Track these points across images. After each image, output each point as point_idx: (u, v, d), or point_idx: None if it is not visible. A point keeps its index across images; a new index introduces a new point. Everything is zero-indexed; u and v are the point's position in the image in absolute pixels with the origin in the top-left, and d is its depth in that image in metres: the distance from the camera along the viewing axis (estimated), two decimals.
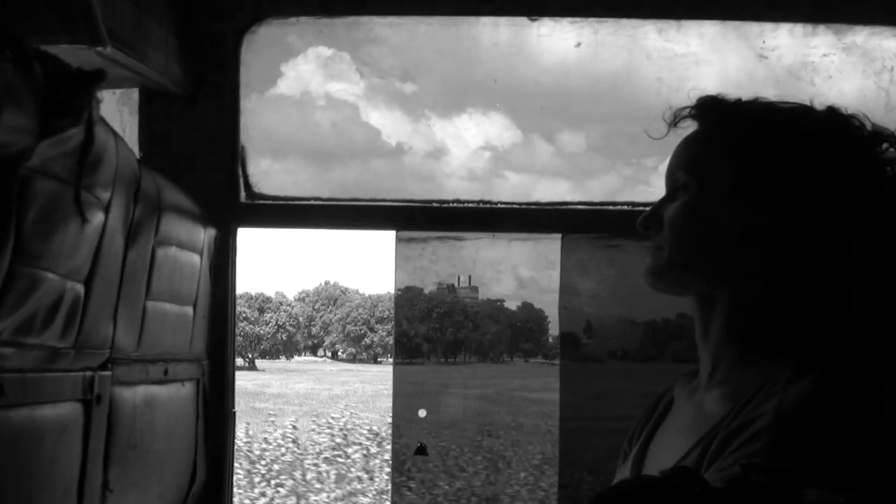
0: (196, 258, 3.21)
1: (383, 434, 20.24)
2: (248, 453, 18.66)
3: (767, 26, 3.48)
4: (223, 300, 3.50)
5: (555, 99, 3.77)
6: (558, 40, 3.56)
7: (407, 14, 3.57)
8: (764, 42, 3.49)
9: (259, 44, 3.53)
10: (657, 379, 2.75)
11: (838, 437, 1.85)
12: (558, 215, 3.55)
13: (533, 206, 3.57)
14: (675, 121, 2.28)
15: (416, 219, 3.60)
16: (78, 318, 2.38)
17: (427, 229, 3.64)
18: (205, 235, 3.27)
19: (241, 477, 16.79)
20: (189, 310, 3.19)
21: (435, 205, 3.59)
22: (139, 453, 2.83)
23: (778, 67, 3.50)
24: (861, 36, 3.47)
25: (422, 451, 3.72)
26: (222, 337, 3.50)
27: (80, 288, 2.37)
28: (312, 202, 3.59)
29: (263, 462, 19.03)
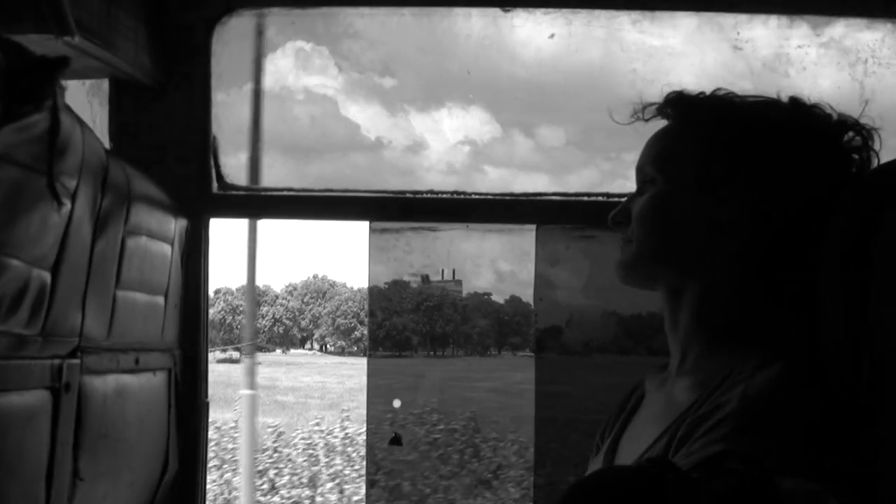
0: (167, 248, 3.20)
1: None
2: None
3: (742, 18, 3.48)
4: (196, 290, 3.49)
5: (533, 93, 3.77)
6: (533, 32, 3.56)
7: (377, 5, 3.56)
8: (738, 34, 3.49)
9: (230, 35, 3.52)
10: (633, 371, 2.76)
11: (804, 423, 1.85)
12: (533, 206, 3.55)
13: (507, 197, 3.57)
14: (643, 115, 2.30)
15: (390, 209, 3.59)
16: (45, 305, 2.37)
17: (401, 220, 3.63)
18: (176, 225, 3.26)
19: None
20: (160, 299, 3.19)
21: (409, 195, 3.58)
22: (109, 442, 2.82)
23: (753, 59, 3.50)
24: (836, 28, 3.48)
25: (396, 441, 3.72)
26: (195, 327, 3.49)
27: (47, 275, 2.36)
28: (285, 193, 3.58)
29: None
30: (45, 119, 2.20)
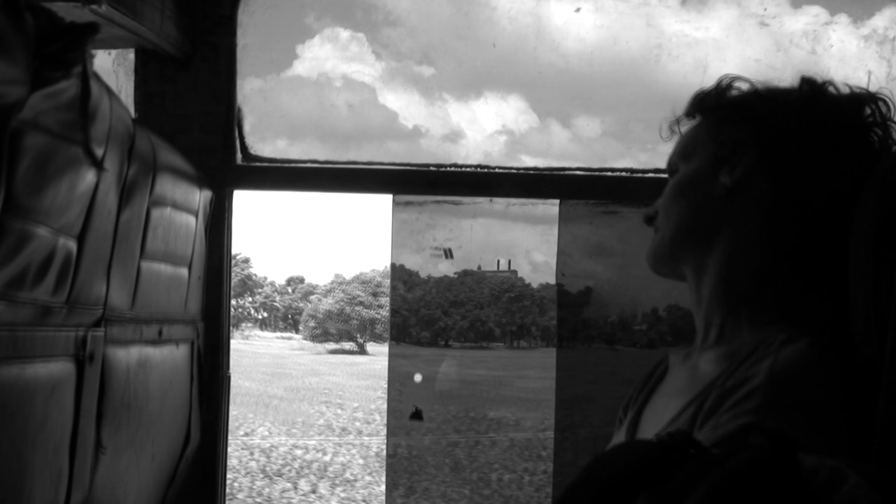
0: (191, 219, 3.19)
1: None
2: None
3: (772, 7, 3.47)
4: (218, 263, 3.49)
5: (571, 83, 3.77)
6: (567, 22, 3.54)
7: None
8: (765, 10, 3.47)
9: (256, 5, 3.51)
10: (655, 345, 2.75)
11: (833, 400, 1.85)
12: (556, 180, 3.54)
13: (531, 171, 3.56)
14: (677, 128, 2.33)
15: (414, 182, 3.58)
16: (70, 274, 2.36)
17: (424, 193, 3.62)
18: (200, 197, 3.25)
19: None
20: (184, 271, 3.18)
21: (433, 168, 3.57)
22: (132, 414, 2.82)
23: (780, 36, 3.48)
24: (864, 6, 3.46)
25: (417, 415, 3.71)
26: (217, 299, 3.49)
27: (73, 244, 2.35)
28: (309, 164, 3.57)
29: None
30: (74, 86, 2.18)
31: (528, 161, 3.88)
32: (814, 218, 2.08)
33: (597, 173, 3.55)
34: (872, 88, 2.16)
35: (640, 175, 3.48)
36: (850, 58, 3.48)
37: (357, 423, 26.96)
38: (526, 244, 3.82)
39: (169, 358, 3.12)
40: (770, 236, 2.11)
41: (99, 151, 2.39)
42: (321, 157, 3.61)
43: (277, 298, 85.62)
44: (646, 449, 1.59)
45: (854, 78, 2.18)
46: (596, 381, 3.70)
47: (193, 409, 3.31)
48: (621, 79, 3.69)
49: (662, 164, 2.33)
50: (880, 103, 2.14)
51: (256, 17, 3.52)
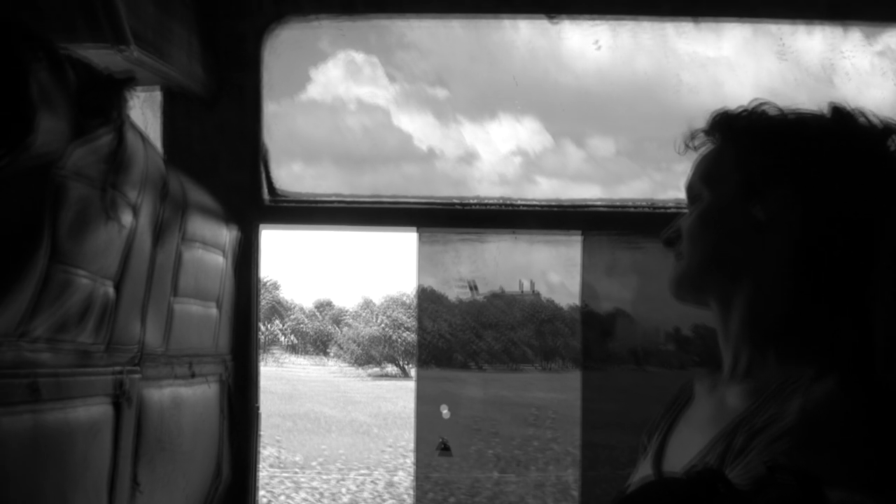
0: (220, 257, 3.23)
1: None
2: None
3: (786, 28, 3.49)
4: (247, 298, 3.52)
5: (584, 103, 3.79)
6: (580, 41, 3.57)
7: (427, 13, 3.57)
8: (783, 43, 3.49)
9: (282, 45, 3.55)
10: (679, 376, 2.76)
11: (864, 438, 1.86)
12: (579, 215, 3.57)
13: (554, 206, 3.58)
14: (693, 144, 2.32)
15: (439, 218, 3.61)
16: (109, 316, 2.40)
17: (449, 227, 3.65)
18: (228, 235, 3.29)
19: None
20: (213, 308, 3.22)
21: (457, 204, 3.60)
22: (166, 452, 2.85)
23: (797, 70, 3.50)
24: (882, 37, 3.48)
25: (445, 449, 3.73)
26: (246, 335, 3.52)
27: (111, 287, 2.40)
28: (335, 202, 3.60)
29: None
30: (111, 136, 2.23)
31: (544, 183, 3.92)
32: (844, 250, 2.09)
33: (619, 207, 3.57)
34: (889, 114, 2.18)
35: (661, 209, 3.50)
36: (868, 87, 3.50)
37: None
38: (541, 265, 3.84)
39: (200, 395, 3.15)
40: (800, 270, 2.12)
41: (135, 196, 2.43)
42: (336, 181, 3.65)
43: (307, 323, 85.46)
44: (676, 488, 1.62)
45: (873, 108, 2.20)
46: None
47: (224, 444, 3.34)
48: (635, 98, 3.71)
49: (677, 183, 2.34)
50: None
51: (282, 57, 3.56)
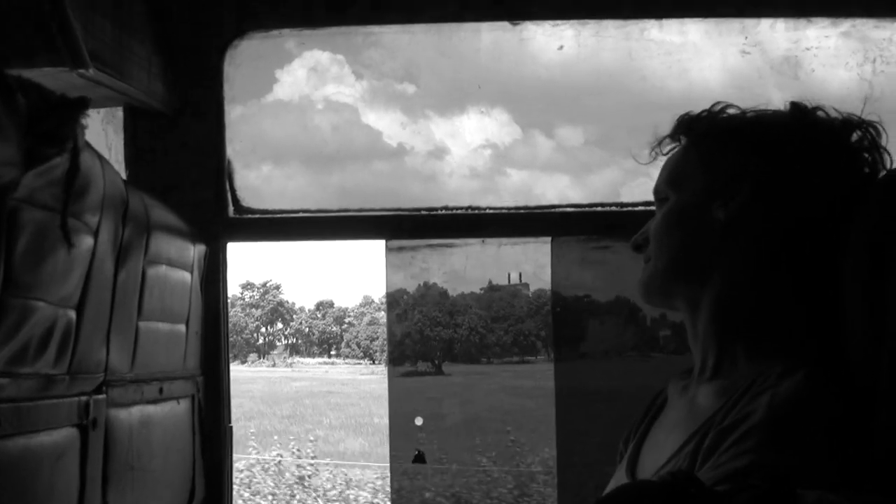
0: (186, 275, 3.21)
1: None
2: None
3: (749, 22, 3.49)
4: (215, 315, 3.50)
5: (551, 94, 3.77)
6: (543, 44, 3.56)
7: (388, 23, 3.57)
8: (746, 37, 3.49)
9: (242, 57, 3.53)
10: (652, 377, 2.76)
11: (831, 433, 1.86)
12: (547, 218, 3.56)
13: (521, 211, 3.57)
14: (658, 145, 2.33)
15: (406, 227, 3.60)
16: (71, 344, 2.38)
17: (416, 237, 3.64)
18: (194, 252, 3.27)
19: None
20: (181, 327, 3.19)
21: (424, 213, 3.59)
22: (137, 474, 2.83)
23: (761, 62, 3.50)
24: (843, 28, 3.47)
25: (419, 458, 3.72)
26: (216, 352, 3.49)
27: (72, 314, 2.37)
28: (301, 214, 3.59)
29: None
30: (65, 160, 2.20)
31: (515, 174, 3.90)
32: (808, 248, 2.09)
33: (587, 209, 3.56)
34: (854, 110, 2.18)
35: (630, 209, 3.49)
36: (831, 77, 3.51)
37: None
38: (514, 259, 3.83)
39: (170, 415, 3.13)
40: (765, 268, 2.12)
41: (94, 220, 2.41)
42: (305, 180, 3.63)
43: (312, 324, 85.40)
44: (648, 492, 1.61)
45: (836, 97, 2.20)
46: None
47: (197, 463, 3.32)
48: (601, 88, 3.70)
49: (647, 170, 2.34)
50: (870, 128, 2.16)
51: (242, 69, 3.53)
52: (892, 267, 1.86)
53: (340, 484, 21.04)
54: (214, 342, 3.49)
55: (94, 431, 2.55)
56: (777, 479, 1.55)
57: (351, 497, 20.17)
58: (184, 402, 3.23)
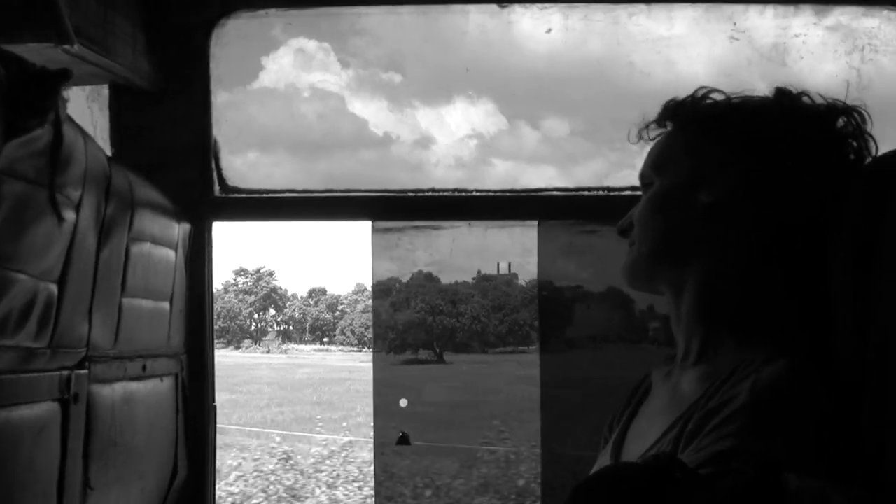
0: (171, 253, 3.20)
1: None
2: None
3: (739, 8, 3.49)
4: (200, 294, 3.49)
5: (537, 84, 3.78)
6: (531, 27, 3.56)
7: (373, 4, 3.56)
8: (735, 24, 3.49)
9: (229, 37, 3.52)
10: (638, 363, 2.76)
11: (813, 419, 1.86)
12: (534, 202, 3.56)
13: (508, 194, 3.57)
14: (646, 129, 2.33)
15: (393, 209, 3.60)
16: (52, 317, 2.37)
17: (403, 219, 3.64)
18: (179, 230, 3.26)
19: None
20: (165, 305, 3.19)
21: (411, 194, 3.58)
22: (119, 450, 2.82)
23: (750, 49, 3.51)
24: (833, 16, 3.48)
25: (404, 440, 3.72)
26: (200, 331, 3.49)
27: (54, 288, 2.36)
28: (287, 194, 3.58)
29: None
30: (48, 132, 2.19)
31: (500, 164, 3.90)
32: (794, 234, 2.10)
33: (575, 193, 3.56)
34: (841, 96, 2.18)
35: (617, 193, 3.49)
36: (819, 65, 3.51)
37: None
38: (501, 242, 3.83)
39: (153, 392, 3.12)
40: (750, 255, 2.13)
41: (75, 194, 2.40)
42: (291, 168, 3.62)
43: (306, 311, 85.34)
44: (632, 474, 1.61)
45: (823, 86, 2.20)
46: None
47: (180, 441, 3.31)
48: (588, 78, 3.70)
49: (632, 161, 2.35)
50: (855, 114, 2.16)
51: (229, 48, 3.52)
52: (878, 259, 1.86)
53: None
54: (199, 321, 3.49)
55: (76, 406, 2.54)
56: (761, 464, 1.55)
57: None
58: (167, 380, 3.23)
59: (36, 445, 2.36)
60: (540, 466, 3.71)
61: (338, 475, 15.85)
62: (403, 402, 3.80)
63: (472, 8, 3.56)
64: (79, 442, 2.57)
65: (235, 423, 31.86)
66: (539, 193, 3.57)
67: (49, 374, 2.43)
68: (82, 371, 2.59)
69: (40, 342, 2.34)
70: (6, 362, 2.22)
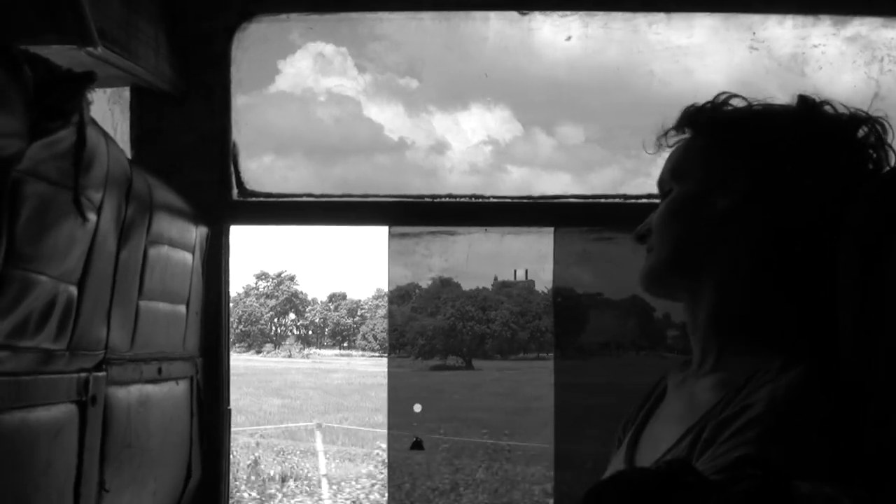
0: (188, 256, 3.21)
1: None
2: None
3: (758, 18, 3.49)
4: (217, 298, 3.50)
5: (554, 92, 3.78)
6: (551, 34, 3.57)
7: (394, 10, 3.56)
8: (755, 34, 3.49)
9: (250, 41, 3.53)
10: (651, 370, 2.77)
11: (830, 427, 1.86)
12: (550, 208, 3.56)
13: (525, 200, 3.57)
14: (665, 136, 2.33)
15: (410, 214, 3.60)
16: (71, 319, 2.37)
17: (420, 224, 3.64)
18: (197, 233, 3.27)
19: None
20: (182, 308, 3.20)
21: (427, 199, 3.59)
22: (134, 452, 2.83)
23: (768, 59, 3.51)
24: (852, 27, 3.48)
25: (418, 445, 3.73)
26: (216, 334, 3.50)
27: (74, 290, 2.37)
28: (305, 199, 3.59)
29: None
30: (71, 134, 2.20)
31: (515, 171, 3.90)
32: (810, 241, 2.10)
33: (591, 200, 3.56)
34: (858, 107, 2.18)
35: (633, 201, 3.49)
36: (838, 76, 3.51)
37: None
38: (517, 249, 3.84)
39: (169, 395, 3.13)
40: (763, 261, 2.13)
41: (97, 197, 2.41)
42: (307, 172, 3.63)
43: (326, 315, 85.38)
44: (644, 479, 1.61)
45: (842, 96, 2.20)
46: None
47: (194, 444, 3.32)
48: (605, 86, 3.71)
49: (648, 170, 2.35)
50: (877, 124, 2.15)
51: (250, 52, 3.53)
52: (885, 264, 1.86)
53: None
54: (215, 325, 3.50)
55: (93, 408, 2.55)
56: (772, 470, 1.55)
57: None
58: (182, 383, 3.24)
59: (53, 447, 2.37)
60: (553, 469, 3.71)
61: None
62: (417, 408, 3.81)
63: (492, 15, 3.56)
64: (95, 444, 2.58)
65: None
66: (555, 200, 3.57)
67: (67, 375, 2.44)
68: (100, 373, 2.60)
69: (59, 344, 2.35)
70: (25, 363, 2.22)
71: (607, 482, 1.73)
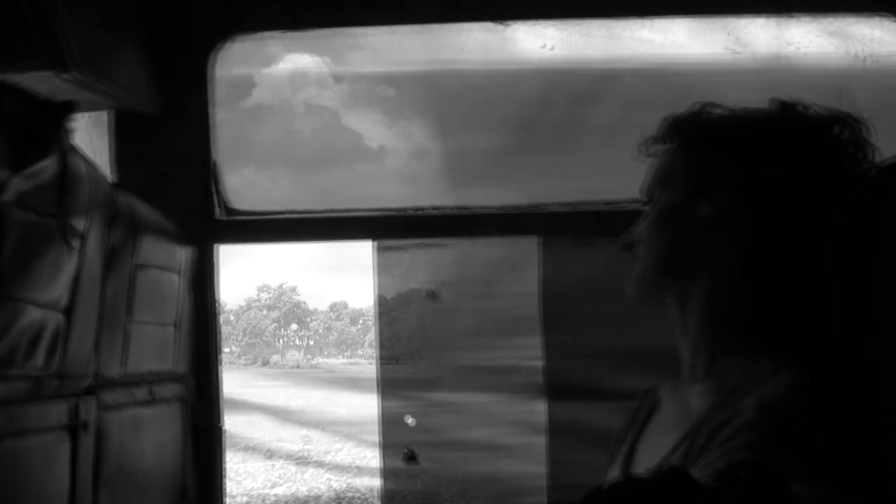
0: (175, 278, 3.21)
1: None
2: None
3: (736, 20, 3.50)
4: (205, 318, 3.49)
5: (534, 99, 3.77)
6: (530, 44, 3.57)
7: (375, 25, 3.56)
8: (733, 36, 3.50)
9: (229, 59, 3.52)
10: (642, 376, 2.76)
11: (820, 431, 1.86)
12: (536, 218, 3.56)
13: (509, 210, 3.57)
14: (647, 151, 2.33)
15: (394, 227, 3.60)
16: (60, 346, 2.38)
17: (405, 237, 3.64)
18: (183, 254, 3.27)
19: None
20: (171, 330, 3.20)
21: (411, 212, 3.59)
22: (128, 476, 2.83)
23: (748, 60, 3.52)
24: (830, 26, 3.49)
25: (411, 457, 3.71)
26: (206, 354, 3.49)
27: (61, 317, 2.37)
28: (289, 216, 3.59)
29: None
30: (54, 164, 2.21)
31: (499, 180, 3.89)
32: (791, 243, 2.10)
33: (576, 208, 3.57)
34: (840, 105, 2.18)
35: (619, 207, 3.50)
36: (818, 74, 3.52)
37: None
38: (504, 258, 3.83)
39: (161, 417, 3.13)
40: (751, 266, 2.12)
41: (81, 224, 2.41)
42: (288, 184, 3.63)
43: (331, 325, 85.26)
44: (637, 487, 1.61)
45: (820, 94, 2.20)
46: None
47: (188, 465, 3.32)
48: (587, 93, 3.70)
49: (635, 174, 2.34)
50: (853, 121, 2.16)
51: (226, 71, 3.53)
52: (876, 262, 1.87)
53: None
54: (205, 344, 3.49)
55: (85, 434, 2.55)
56: (769, 476, 1.55)
57: None
58: (174, 404, 3.24)
59: (46, 474, 2.37)
60: (546, 479, 3.70)
61: None
62: (410, 420, 3.79)
63: (473, 26, 3.57)
64: (88, 469, 2.58)
65: None
66: (540, 209, 3.57)
67: (58, 402, 2.44)
68: (91, 398, 2.60)
69: (48, 371, 2.35)
70: (15, 391, 2.23)
71: (601, 490, 1.73)
